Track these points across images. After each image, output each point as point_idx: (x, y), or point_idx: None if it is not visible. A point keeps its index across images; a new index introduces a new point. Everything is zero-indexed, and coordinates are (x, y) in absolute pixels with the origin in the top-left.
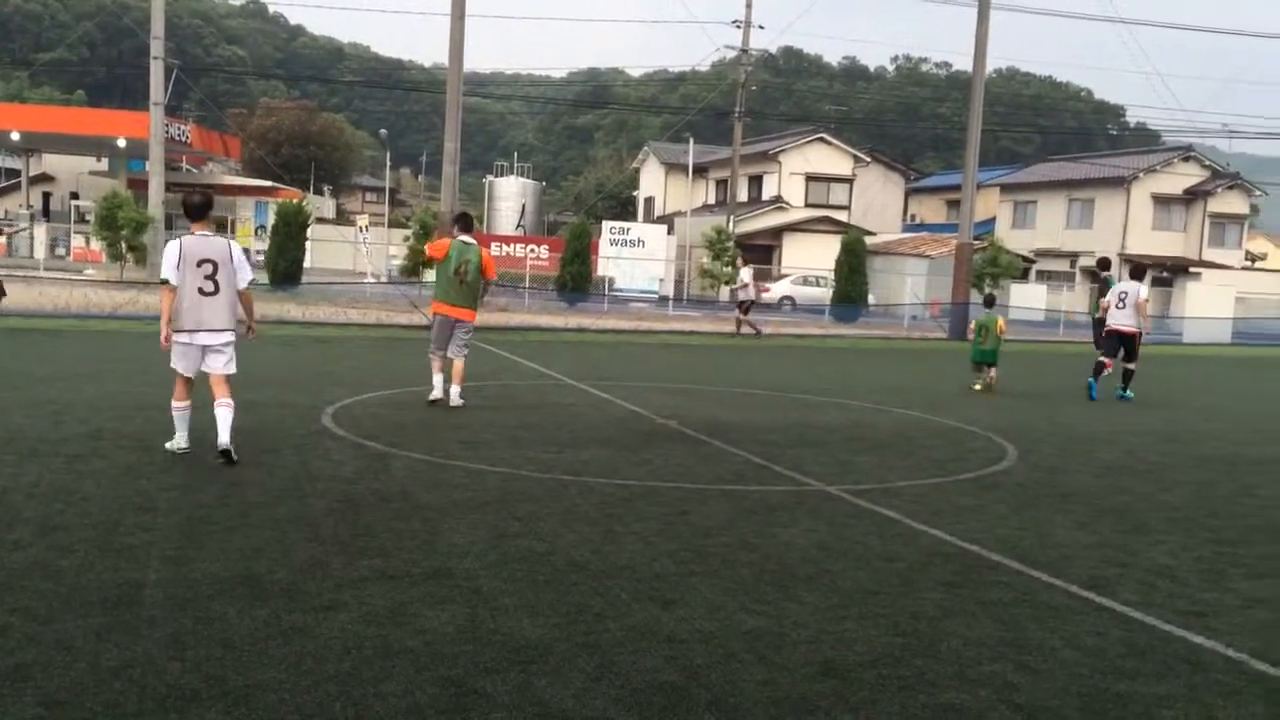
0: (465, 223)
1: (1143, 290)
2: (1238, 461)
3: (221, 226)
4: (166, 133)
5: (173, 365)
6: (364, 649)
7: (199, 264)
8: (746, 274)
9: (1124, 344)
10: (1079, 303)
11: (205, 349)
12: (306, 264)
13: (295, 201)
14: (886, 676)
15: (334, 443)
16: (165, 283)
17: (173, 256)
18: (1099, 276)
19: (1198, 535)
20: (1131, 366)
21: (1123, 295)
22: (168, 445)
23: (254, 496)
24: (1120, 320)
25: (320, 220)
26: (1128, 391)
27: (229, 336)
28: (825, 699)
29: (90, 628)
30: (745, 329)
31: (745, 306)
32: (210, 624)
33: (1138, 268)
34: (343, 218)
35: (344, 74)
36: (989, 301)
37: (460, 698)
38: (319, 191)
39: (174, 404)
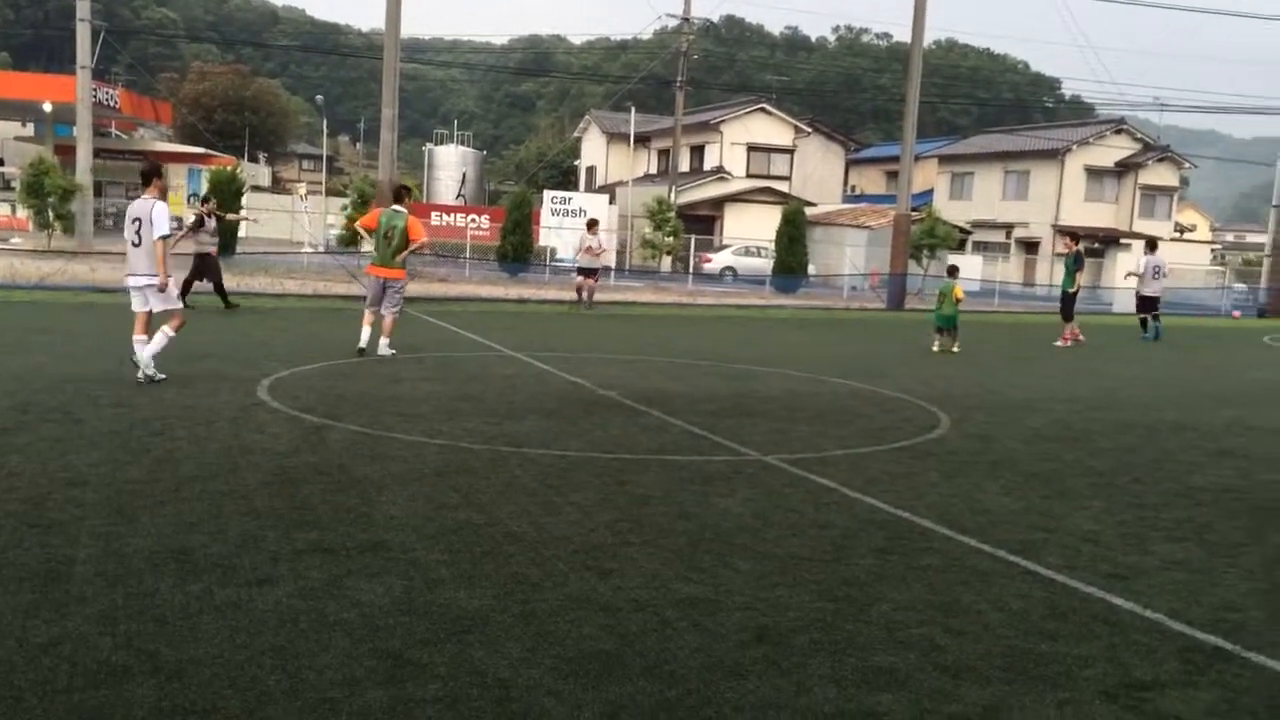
0: (398, 194)
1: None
2: (1159, 428)
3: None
4: (94, 97)
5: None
6: (300, 622)
7: (132, 221)
8: (595, 240)
9: (1154, 304)
10: (1014, 273)
11: (140, 290)
12: (241, 233)
13: (229, 169)
14: (818, 641)
15: (270, 415)
16: None
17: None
18: (1073, 249)
19: (1120, 500)
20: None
21: (1156, 269)
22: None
23: (187, 471)
24: (1155, 289)
25: (255, 189)
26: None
27: (145, 280)
28: (758, 664)
29: (19, 604)
30: (583, 294)
31: (594, 274)
32: (142, 599)
33: (1152, 242)
34: (279, 186)
35: (278, 38)
36: (951, 271)
37: (397, 669)
38: (254, 159)
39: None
